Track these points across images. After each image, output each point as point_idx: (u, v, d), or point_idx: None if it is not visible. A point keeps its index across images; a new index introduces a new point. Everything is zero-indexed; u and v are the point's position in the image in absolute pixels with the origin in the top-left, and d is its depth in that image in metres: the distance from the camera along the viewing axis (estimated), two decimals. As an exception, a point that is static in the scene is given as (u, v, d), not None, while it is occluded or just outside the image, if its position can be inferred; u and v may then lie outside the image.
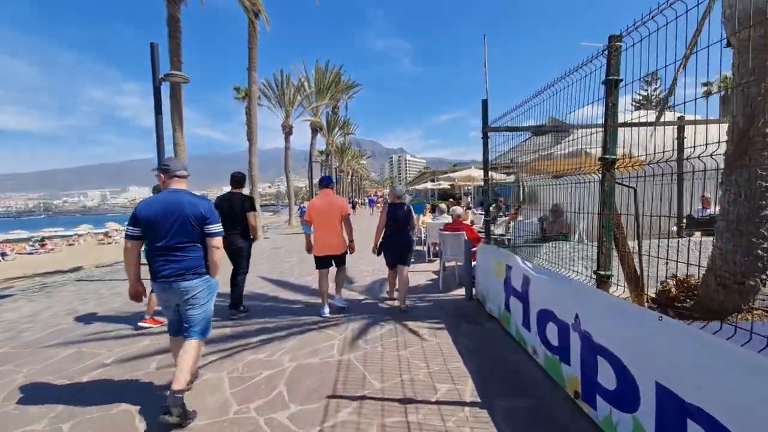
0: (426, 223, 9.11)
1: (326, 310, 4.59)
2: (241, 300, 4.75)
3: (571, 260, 4.09)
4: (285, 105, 20.61)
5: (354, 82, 29.39)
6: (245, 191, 4.84)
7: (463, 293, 5.34)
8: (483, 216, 11.18)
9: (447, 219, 7.87)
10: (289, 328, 4.22)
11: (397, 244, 4.72)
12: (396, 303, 5.02)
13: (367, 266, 7.81)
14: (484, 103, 4.88)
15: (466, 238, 5.16)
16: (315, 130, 26.41)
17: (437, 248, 8.48)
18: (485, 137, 4.91)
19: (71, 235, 42.10)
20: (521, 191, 10.56)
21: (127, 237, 2.57)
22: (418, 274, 6.96)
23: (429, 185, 20.78)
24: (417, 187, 23.58)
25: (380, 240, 4.84)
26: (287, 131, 20.75)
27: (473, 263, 5.00)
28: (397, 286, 4.94)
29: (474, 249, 5.03)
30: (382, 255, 4.92)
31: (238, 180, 4.73)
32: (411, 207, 4.94)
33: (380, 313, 4.64)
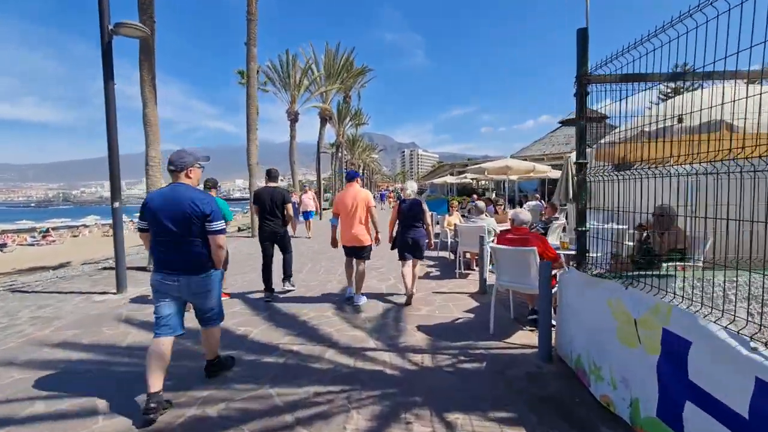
0: (454, 225, 7.19)
1: (353, 290, 4.85)
2: (291, 273, 5.52)
3: (729, 300, 2.16)
4: (290, 89, 18.77)
5: (367, 66, 27.33)
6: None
7: (526, 341, 3.44)
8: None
9: (486, 222, 5.95)
10: (244, 419, 2.38)
11: (409, 239, 4.78)
12: (425, 362, 3.16)
13: (379, 282, 5.94)
14: (582, 34, 2.89)
15: (538, 257, 3.25)
16: (324, 118, 24.53)
17: (467, 255, 6.60)
18: (582, 92, 2.93)
19: (77, 227, 41.38)
20: (570, 185, 8.52)
21: (138, 230, 2.65)
22: (450, 298, 5.04)
23: (449, 179, 18.67)
24: (435, 181, 21.34)
25: (393, 235, 5.01)
26: (293, 118, 18.94)
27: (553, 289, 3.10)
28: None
29: (553, 273, 3.12)
30: (396, 252, 4.98)
31: (274, 176, 5.31)
32: (423, 202, 4.98)
33: (403, 389, 2.74)
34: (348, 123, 32.82)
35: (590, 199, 8.07)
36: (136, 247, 17.51)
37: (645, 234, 4.06)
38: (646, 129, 2.85)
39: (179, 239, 2.51)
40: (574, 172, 8.82)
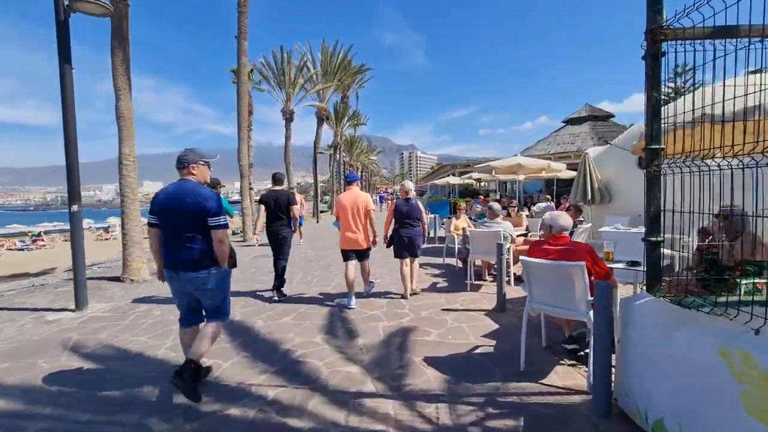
0: (463, 229, 6.42)
1: (353, 302, 4.69)
2: (283, 283, 5.33)
3: None
4: (285, 87, 18.02)
5: (365, 65, 26.58)
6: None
7: (569, 381, 2.66)
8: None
9: (502, 226, 5.18)
10: None
11: (405, 237, 4.87)
12: (441, 418, 2.37)
13: (378, 294, 5.15)
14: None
15: (586, 274, 2.48)
16: (321, 118, 23.75)
17: (477, 263, 5.83)
18: (655, 52, 2.11)
19: (69, 230, 40.41)
20: (588, 184, 7.76)
21: (148, 224, 2.70)
22: (463, 317, 4.25)
23: (451, 179, 17.83)
24: (437, 182, 20.42)
25: (389, 233, 5.09)
26: (288, 117, 18.20)
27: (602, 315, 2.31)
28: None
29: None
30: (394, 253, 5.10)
31: (279, 179, 5.39)
32: (418, 202, 5.07)
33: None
34: (346, 123, 32.09)
35: (607, 198, 7.20)
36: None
37: (709, 240, 3.30)
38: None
39: (182, 234, 2.56)
40: (593, 169, 8.09)
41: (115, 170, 7.27)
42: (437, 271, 6.74)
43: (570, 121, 22.86)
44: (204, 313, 2.77)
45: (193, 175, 2.69)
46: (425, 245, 10.24)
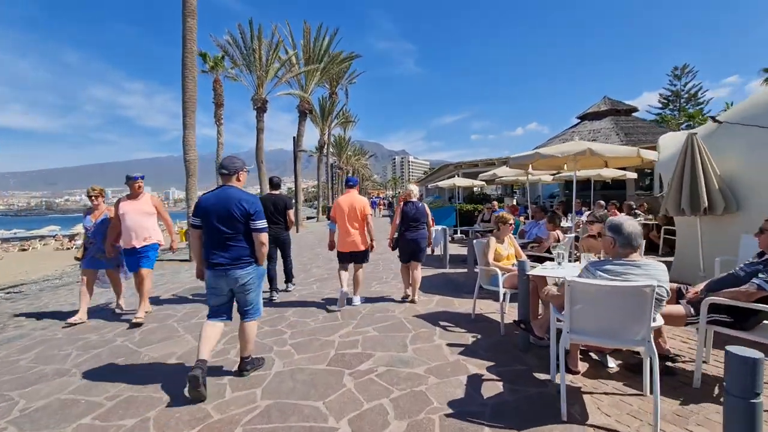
0: (519, 262, 3.42)
1: (356, 300, 4.83)
2: (292, 275, 5.92)
3: None
4: (256, 69, 14.96)
5: (354, 53, 23.45)
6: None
7: None
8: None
9: (652, 273, 2.15)
10: None
11: (410, 241, 4.82)
12: None
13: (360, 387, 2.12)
14: None
15: None
16: (304, 112, 20.66)
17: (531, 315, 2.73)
18: None
19: (30, 238, 36.65)
20: (703, 184, 4.82)
21: (191, 226, 3.01)
22: None
23: (458, 181, 14.73)
24: (440, 184, 17.16)
25: (395, 236, 5.03)
26: (259, 106, 15.12)
27: None
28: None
29: None
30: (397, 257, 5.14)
31: (276, 184, 5.70)
32: (425, 204, 5.03)
33: None
34: (333, 121, 29.04)
35: (734, 205, 4.05)
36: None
37: None
38: None
39: (227, 236, 2.75)
40: (709, 160, 5.15)
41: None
42: (471, 338, 3.68)
43: (587, 116, 20.18)
44: (245, 310, 2.92)
45: (239, 181, 2.92)
46: (434, 271, 7.30)
